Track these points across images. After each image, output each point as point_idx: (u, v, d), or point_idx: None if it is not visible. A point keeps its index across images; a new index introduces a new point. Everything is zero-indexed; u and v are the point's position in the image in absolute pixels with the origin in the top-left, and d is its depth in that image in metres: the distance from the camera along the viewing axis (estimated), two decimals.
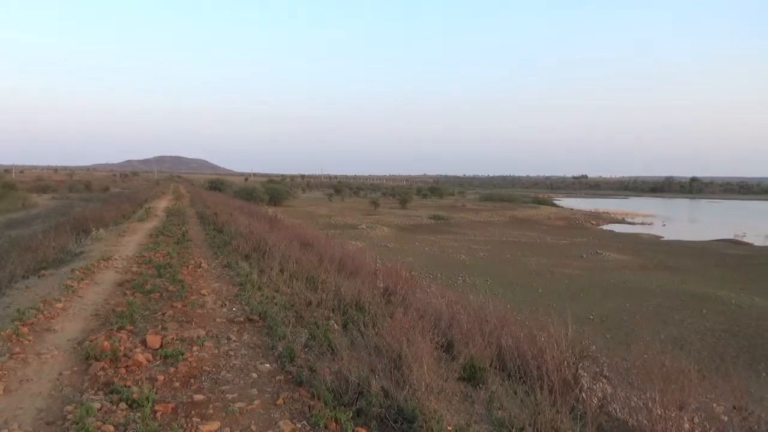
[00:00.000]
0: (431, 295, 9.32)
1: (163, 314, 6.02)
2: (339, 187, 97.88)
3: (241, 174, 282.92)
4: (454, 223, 46.66)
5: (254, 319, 6.04)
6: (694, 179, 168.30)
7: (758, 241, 37.90)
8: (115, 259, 9.63)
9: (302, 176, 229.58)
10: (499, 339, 6.09)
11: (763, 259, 28.43)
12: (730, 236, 39.88)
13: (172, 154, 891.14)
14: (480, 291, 16.37)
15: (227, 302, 6.85)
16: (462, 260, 25.36)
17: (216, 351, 4.97)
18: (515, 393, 4.83)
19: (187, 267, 9.02)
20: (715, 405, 4.64)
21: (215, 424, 3.54)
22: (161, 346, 4.92)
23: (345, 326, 6.10)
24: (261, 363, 4.74)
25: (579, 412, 4.31)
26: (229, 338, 5.37)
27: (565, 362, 5.40)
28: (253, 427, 3.58)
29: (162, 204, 27.64)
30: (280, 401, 3.97)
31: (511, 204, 74.04)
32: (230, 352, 4.97)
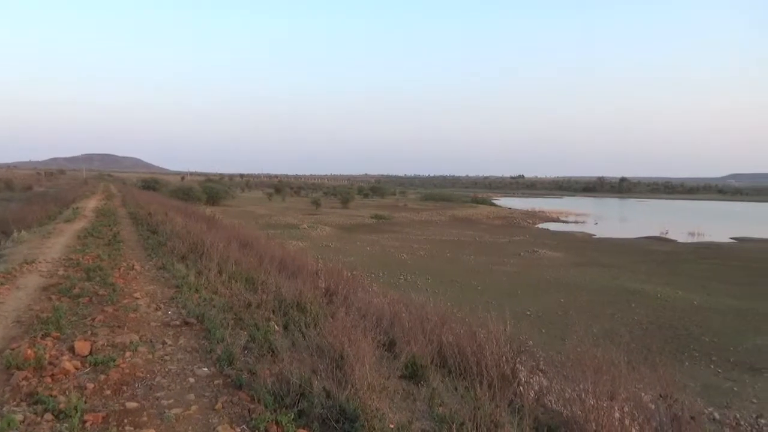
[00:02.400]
0: (373, 294, 9.34)
1: (93, 319, 5.73)
2: (279, 187, 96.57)
3: (177, 173, 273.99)
4: (396, 222, 46.98)
5: (191, 323, 5.85)
6: (623, 179, 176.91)
7: (681, 238, 40.30)
8: (40, 262, 9.10)
9: (241, 175, 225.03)
10: (440, 336, 6.18)
11: (685, 255, 30.21)
12: (657, 234, 42.17)
13: (103, 152, 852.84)
14: (421, 289, 16.57)
15: (162, 305, 6.61)
16: (403, 259, 25.58)
17: (150, 356, 4.77)
18: (456, 389, 4.91)
19: (119, 269, 8.64)
20: (643, 394, 4.88)
21: None
22: (91, 352, 4.68)
23: (286, 327, 6.01)
24: (198, 367, 4.60)
25: (517, 406, 4.42)
26: (164, 342, 5.17)
27: (504, 357, 5.54)
28: None
29: (91, 204, 26.37)
30: (218, 406, 3.87)
31: (451, 203, 75.35)
32: (166, 357, 4.79)
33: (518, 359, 5.92)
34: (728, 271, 24.46)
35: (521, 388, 5.40)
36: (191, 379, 4.33)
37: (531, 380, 6.20)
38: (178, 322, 5.87)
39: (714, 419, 8.03)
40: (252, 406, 3.86)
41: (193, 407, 3.82)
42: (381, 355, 4.99)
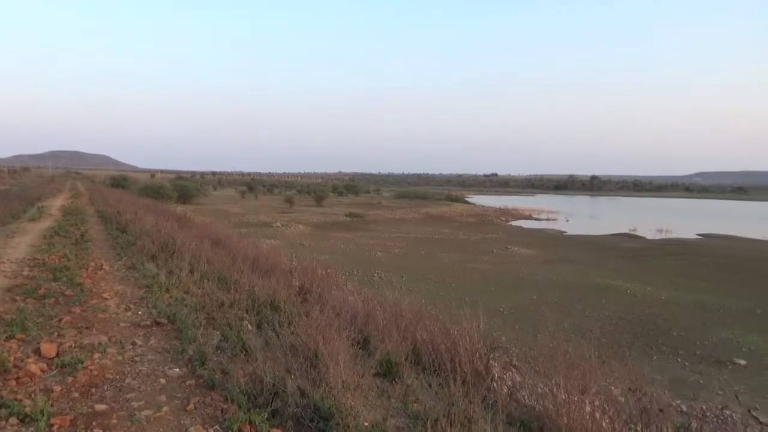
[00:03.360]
0: (347, 292, 9.32)
1: (60, 320, 5.59)
2: (252, 185, 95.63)
3: (146, 171, 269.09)
4: (370, 220, 46.97)
5: (162, 323, 5.75)
6: (594, 177, 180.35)
7: (650, 235, 41.24)
8: (3, 262, 8.83)
9: (213, 173, 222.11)
10: (415, 334, 6.20)
11: (653, 251, 30.91)
12: (626, 230, 43.05)
13: (69, 149, 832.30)
14: (395, 287, 16.58)
15: (132, 305, 6.48)
16: (378, 257, 25.59)
17: (120, 357, 4.68)
18: (430, 386, 4.93)
19: (87, 269, 8.44)
20: (613, 388, 4.98)
21: None
22: (57, 354, 4.56)
23: (259, 326, 5.96)
24: (170, 368, 4.53)
25: (490, 401, 4.47)
26: (134, 343, 5.08)
27: (477, 354, 5.59)
28: None
29: (57, 202, 25.71)
30: (190, 407, 3.81)
31: (425, 201, 75.70)
32: (136, 358, 4.70)
33: (491, 355, 5.98)
34: (695, 267, 25.12)
35: (494, 383, 5.45)
36: (162, 380, 4.26)
37: (504, 376, 6.27)
38: (148, 323, 5.77)
39: (681, 411, 8.22)
40: (225, 407, 3.82)
41: (165, 408, 3.76)
42: (355, 353, 4.98)
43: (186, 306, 6.41)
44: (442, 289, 18.08)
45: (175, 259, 9.37)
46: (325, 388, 3.93)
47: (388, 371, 5.11)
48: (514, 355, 9.07)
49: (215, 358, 4.71)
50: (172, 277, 8.08)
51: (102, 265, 8.95)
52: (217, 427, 3.56)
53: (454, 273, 21.72)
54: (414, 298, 7.93)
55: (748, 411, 8.76)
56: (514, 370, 7.11)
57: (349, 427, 3.49)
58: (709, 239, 39.44)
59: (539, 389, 5.23)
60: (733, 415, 8.45)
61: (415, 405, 4.33)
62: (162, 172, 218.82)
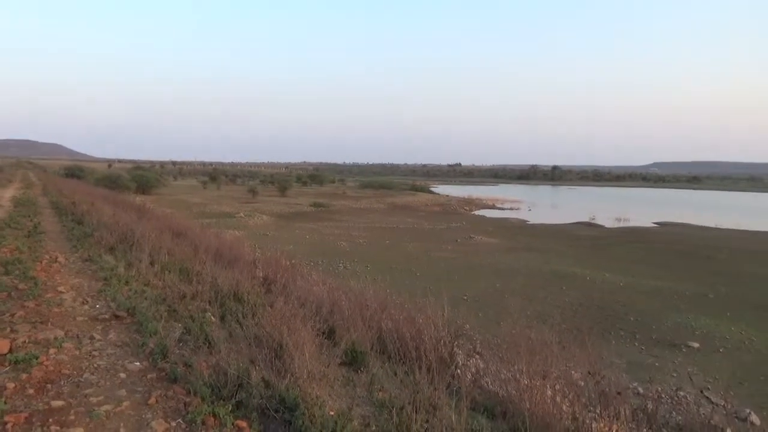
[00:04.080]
0: (312, 282, 9.28)
1: (12, 315, 5.38)
2: (214, 175, 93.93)
3: (103, 160, 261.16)
4: (335, 210, 46.81)
5: (121, 316, 5.61)
6: (555, 168, 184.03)
7: (608, 223, 42.40)
8: None
9: (173, 163, 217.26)
10: (380, 323, 6.22)
11: (611, 239, 31.79)
12: (585, 219, 44.13)
13: (20, 138, 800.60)
14: (361, 277, 16.57)
15: (90, 299, 6.30)
16: (343, 247, 25.55)
17: (77, 352, 4.54)
18: (395, 374, 4.96)
19: (41, 262, 8.15)
20: (573, 372, 5.12)
21: (78, 431, 3.25)
22: (11, 350, 4.40)
23: (223, 318, 5.88)
24: (130, 362, 4.42)
25: (455, 388, 4.53)
26: (92, 338, 4.93)
27: (442, 341, 5.65)
28: (122, 431, 3.33)
29: (8, 193, 24.71)
30: (152, 401, 3.73)
31: (390, 191, 75.88)
32: (94, 353, 4.57)
33: (456, 343, 6.06)
34: (651, 254, 25.95)
35: (459, 370, 5.53)
36: (122, 375, 4.16)
37: (468, 363, 6.37)
38: (107, 316, 5.62)
39: (638, 393, 8.51)
40: (188, 400, 3.76)
41: (125, 403, 3.67)
42: (321, 343, 4.97)
43: (146, 298, 6.27)
44: (407, 278, 18.19)
45: (135, 250, 9.13)
46: (290, 379, 3.91)
47: (353, 360, 5.12)
48: (478, 342, 9.20)
49: (177, 351, 4.62)
50: (131, 269, 7.88)
51: (57, 257, 8.66)
52: (179, 420, 3.50)
53: (419, 262, 21.87)
54: (379, 288, 7.95)
55: (701, 392, 9.15)
56: (477, 356, 7.22)
57: (314, 416, 3.48)
58: (664, 227, 40.80)
59: (502, 375, 5.33)
60: (687, 396, 8.81)
61: (380, 393, 4.35)
62: (120, 161, 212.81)
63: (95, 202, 19.08)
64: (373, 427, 3.68)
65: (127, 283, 7.03)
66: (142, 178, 60.06)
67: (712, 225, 41.73)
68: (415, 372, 4.50)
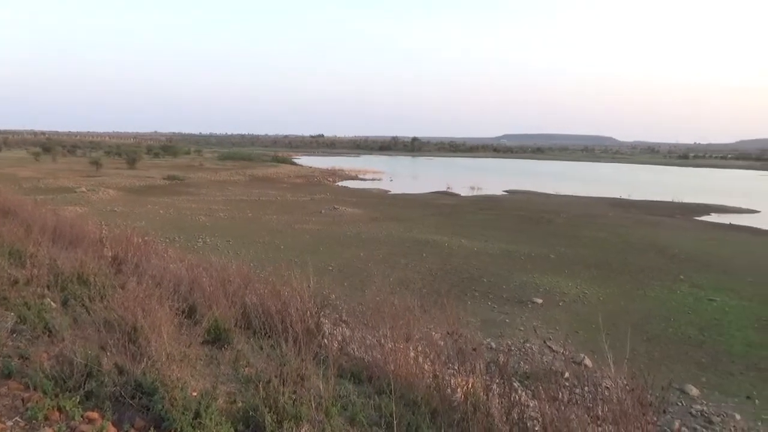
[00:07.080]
0: (169, 260, 8.78)
1: None
2: (49, 145, 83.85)
3: None
4: (192, 183, 44.40)
5: None
6: (415, 139, 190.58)
7: (464, 192, 45.13)
8: None
9: None
10: (244, 298, 6.08)
11: (467, 207, 33.88)
12: (443, 189, 46.50)
13: None
14: (222, 252, 16.04)
15: None
16: (202, 221, 24.41)
17: None
18: (261, 348, 4.88)
19: None
20: (434, 333, 5.40)
21: None
22: None
23: (65, 303, 5.35)
24: None
25: (322, 357, 4.56)
26: None
27: (308, 313, 5.65)
28: None
29: None
30: None
31: (251, 163, 73.61)
32: None
33: (322, 313, 6.10)
34: (501, 220, 28.10)
35: (326, 340, 5.59)
36: None
37: (335, 332, 6.46)
38: None
39: (491, 348, 9.28)
40: (26, 395, 3.37)
41: None
42: (180, 322, 4.71)
43: None
44: (272, 251, 17.90)
45: None
46: (147, 363, 3.67)
47: (217, 338, 4.95)
48: (344, 310, 9.37)
49: (11, 343, 4.12)
50: None
51: None
52: (17, 418, 3.13)
53: (283, 235, 21.60)
54: (242, 262, 7.73)
55: (544, 342, 10.22)
56: (344, 325, 7.36)
57: (176, 399, 3.30)
58: (513, 195, 44.40)
59: (368, 341, 5.48)
60: (533, 346, 9.79)
61: (246, 369, 4.26)
62: None
63: None
64: (240, 404, 3.59)
65: None
66: None
67: (552, 192, 46.20)
68: (282, 345, 4.46)
